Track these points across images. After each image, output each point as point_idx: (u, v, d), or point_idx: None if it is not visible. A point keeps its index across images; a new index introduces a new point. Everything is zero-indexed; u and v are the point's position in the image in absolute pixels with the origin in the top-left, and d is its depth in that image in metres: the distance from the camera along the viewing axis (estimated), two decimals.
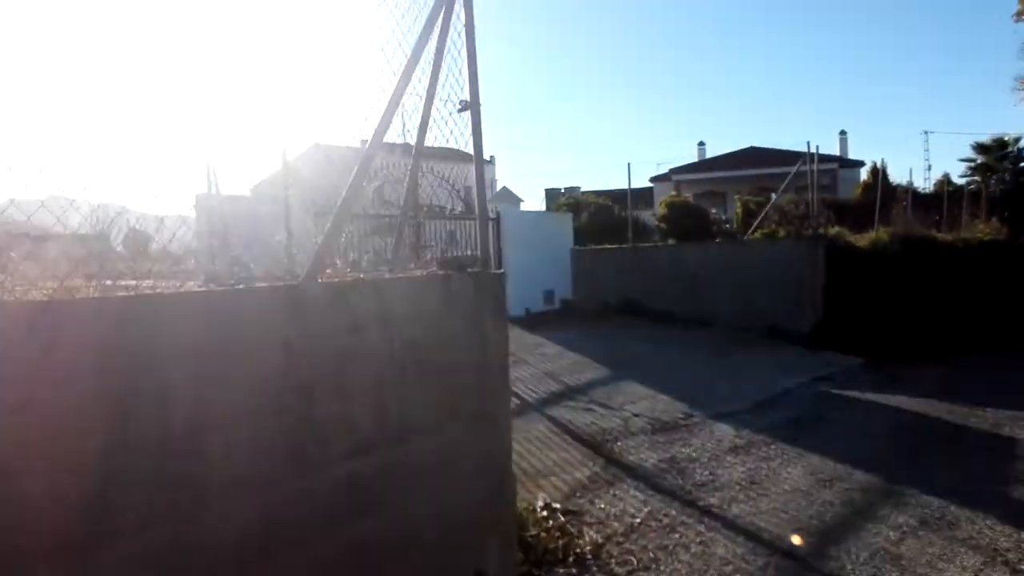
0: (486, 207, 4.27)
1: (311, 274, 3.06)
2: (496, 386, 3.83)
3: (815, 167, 12.70)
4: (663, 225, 21.42)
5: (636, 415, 7.24)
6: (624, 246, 14.61)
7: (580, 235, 16.30)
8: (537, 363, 9.43)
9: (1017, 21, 17.29)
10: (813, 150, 12.65)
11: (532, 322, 12.57)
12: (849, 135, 48.24)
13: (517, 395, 7.80)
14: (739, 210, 20.18)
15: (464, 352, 3.63)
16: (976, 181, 29.80)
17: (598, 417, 7.10)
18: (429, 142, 4.10)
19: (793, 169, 13.77)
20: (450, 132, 3.99)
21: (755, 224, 14.02)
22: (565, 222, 15.42)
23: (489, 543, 3.69)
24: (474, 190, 4.30)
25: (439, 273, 3.76)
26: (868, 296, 13.05)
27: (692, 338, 12.18)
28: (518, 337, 11.27)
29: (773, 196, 16.12)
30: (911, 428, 7.11)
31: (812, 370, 10.05)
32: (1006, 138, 30.57)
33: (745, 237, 13.50)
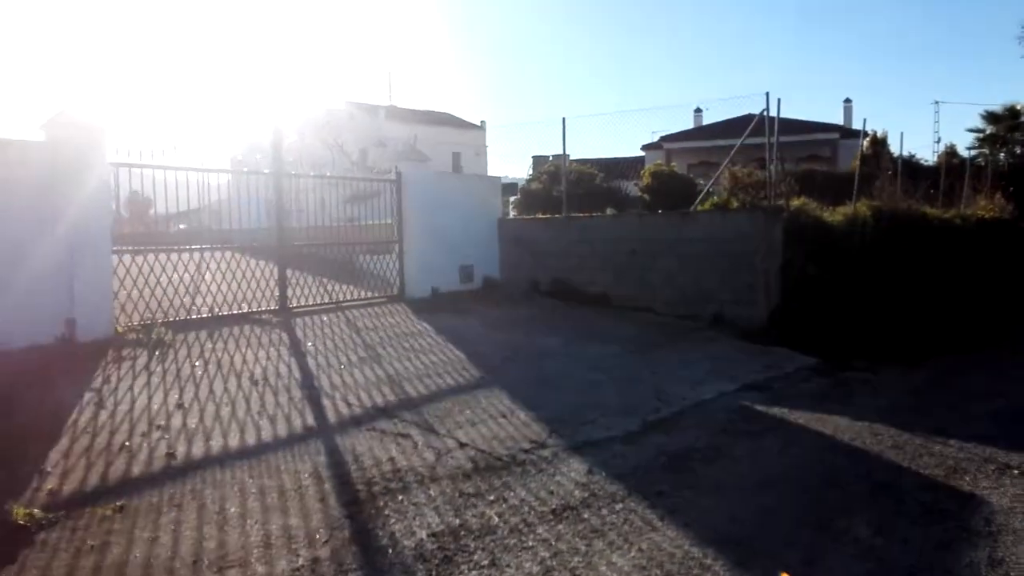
0: None
1: None
2: None
3: (771, 114, 10.60)
4: (646, 196, 19.44)
5: (463, 445, 5.32)
6: (557, 216, 12.58)
7: (557, 205, 14.21)
8: (391, 361, 7.51)
9: None
10: (772, 105, 10.54)
11: (432, 304, 10.63)
12: (856, 105, 45.74)
13: (322, 411, 5.89)
14: (727, 181, 18.06)
15: None
16: (984, 153, 27.49)
17: (405, 449, 5.18)
18: None
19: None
20: None
21: (703, 192, 11.94)
22: (492, 187, 13.34)
23: None
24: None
25: None
26: (838, 281, 11.04)
27: (620, 328, 10.22)
28: (397, 324, 9.35)
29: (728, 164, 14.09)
30: (834, 473, 5.16)
31: (748, 373, 8.11)
32: (1018, 107, 28.06)
33: (692, 208, 11.44)
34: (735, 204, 11.18)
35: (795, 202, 11.35)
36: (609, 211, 12.87)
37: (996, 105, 29.77)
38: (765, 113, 10.49)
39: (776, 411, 6.69)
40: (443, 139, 49.84)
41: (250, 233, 10.21)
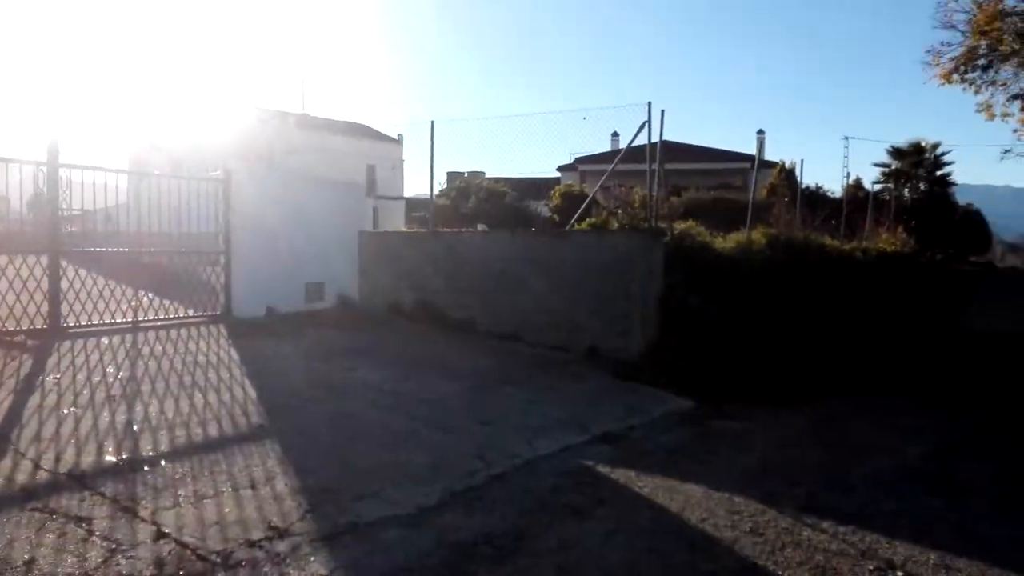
0: None
1: None
2: None
3: (656, 131, 9.49)
4: (555, 217, 18.32)
5: (161, 536, 3.79)
6: (422, 231, 11.17)
7: (465, 223, 12.75)
8: (151, 402, 5.91)
9: None
10: (655, 114, 9.42)
11: (260, 327, 9.04)
12: (770, 137, 46.28)
13: None
14: (636, 202, 17.02)
15: None
16: (889, 188, 27.53)
17: (67, 543, 3.63)
18: None
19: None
20: None
21: (580, 210, 10.73)
22: (354, 194, 11.81)
23: None
24: None
25: None
26: (723, 313, 9.96)
27: (475, 360, 8.85)
28: (196, 352, 7.70)
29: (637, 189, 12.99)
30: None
31: (606, 420, 6.84)
32: (923, 143, 28.26)
33: (568, 227, 10.22)
34: (615, 225, 10.00)
35: (680, 225, 10.26)
36: (480, 227, 11.53)
37: (902, 141, 30.07)
38: (647, 125, 9.35)
39: (621, 474, 5.39)
40: (357, 150, 47.91)
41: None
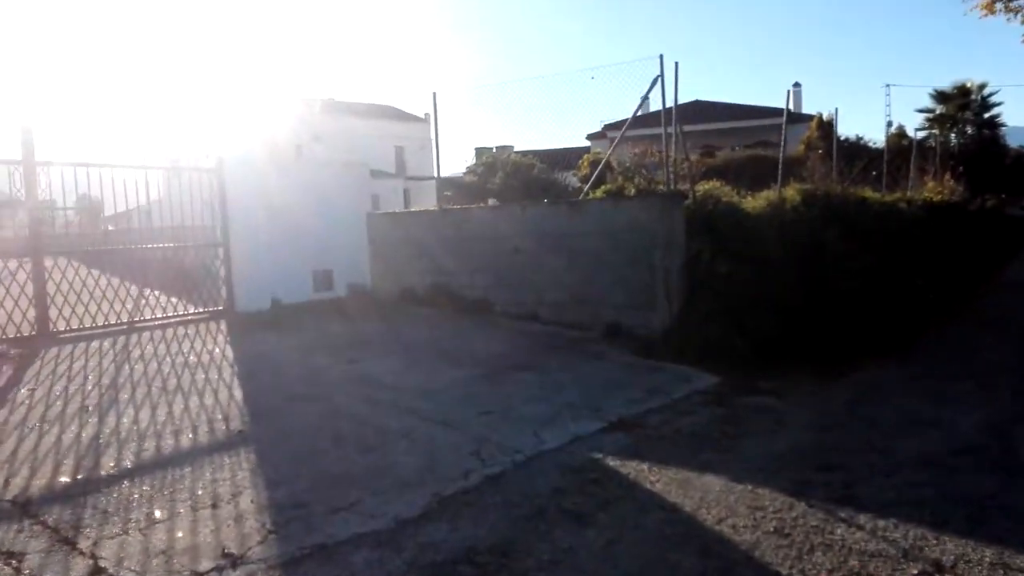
0: None
1: None
2: None
3: (668, 80, 8.79)
4: (583, 186, 17.70)
5: (97, 572, 3.38)
6: (431, 209, 10.65)
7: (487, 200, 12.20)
8: (129, 410, 5.55)
9: None
10: (668, 67, 8.71)
11: (264, 321, 8.68)
12: (806, 91, 44.63)
13: None
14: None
15: None
16: (934, 134, 26.11)
17: None
18: None
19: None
20: None
21: (593, 177, 10.08)
22: (358, 175, 11.30)
23: None
24: None
25: None
26: (754, 278, 9.26)
27: (487, 344, 8.36)
28: (191, 351, 7.34)
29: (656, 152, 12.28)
30: None
31: (623, 404, 6.30)
32: (968, 84, 26.69)
33: (583, 196, 9.60)
34: (632, 190, 9.35)
35: (704, 186, 9.56)
36: (491, 202, 10.97)
37: (946, 84, 28.53)
38: (660, 80, 8.64)
39: (632, 468, 4.85)
40: (385, 132, 47.56)
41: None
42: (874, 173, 15.81)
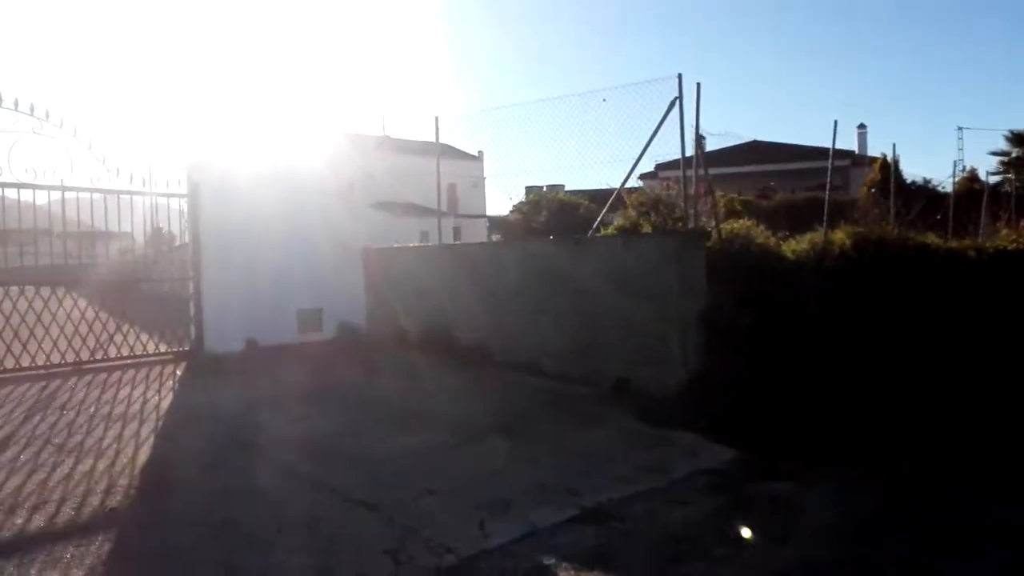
0: None
1: None
2: None
3: (686, 102, 7.72)
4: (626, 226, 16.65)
5: None
6: (430, 245, 9.72)
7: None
8: None
9: None
10: (691, 89, 7.64)
11: (230, 365, 7.81)
12: (872, 132, 42.80)
13: None
14: (722, 210, 14.98)
15: None
16: (1009, 178, 24.17)
17: None
18: None
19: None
20: None
21: (603, 211, 8.98)
22: (353, 208, 10.38)
23: None
24: None
25: None
26: (788, 334, 8.01)
27: (469, 401, 7.30)
28: (122, 400, 6.47)
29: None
30: None
31: (608, 484, 5.17)
32: None
33: (590, 234, 8.52)
34: (647, 227, 8.24)
35: (731, 225, 8.37)
36: (495, 238, 9.97)
37: (1023, 126, 26.56)
38: (678, 103, 7.57)
39: None
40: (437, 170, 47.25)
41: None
42: (938, 217, 14.25)
